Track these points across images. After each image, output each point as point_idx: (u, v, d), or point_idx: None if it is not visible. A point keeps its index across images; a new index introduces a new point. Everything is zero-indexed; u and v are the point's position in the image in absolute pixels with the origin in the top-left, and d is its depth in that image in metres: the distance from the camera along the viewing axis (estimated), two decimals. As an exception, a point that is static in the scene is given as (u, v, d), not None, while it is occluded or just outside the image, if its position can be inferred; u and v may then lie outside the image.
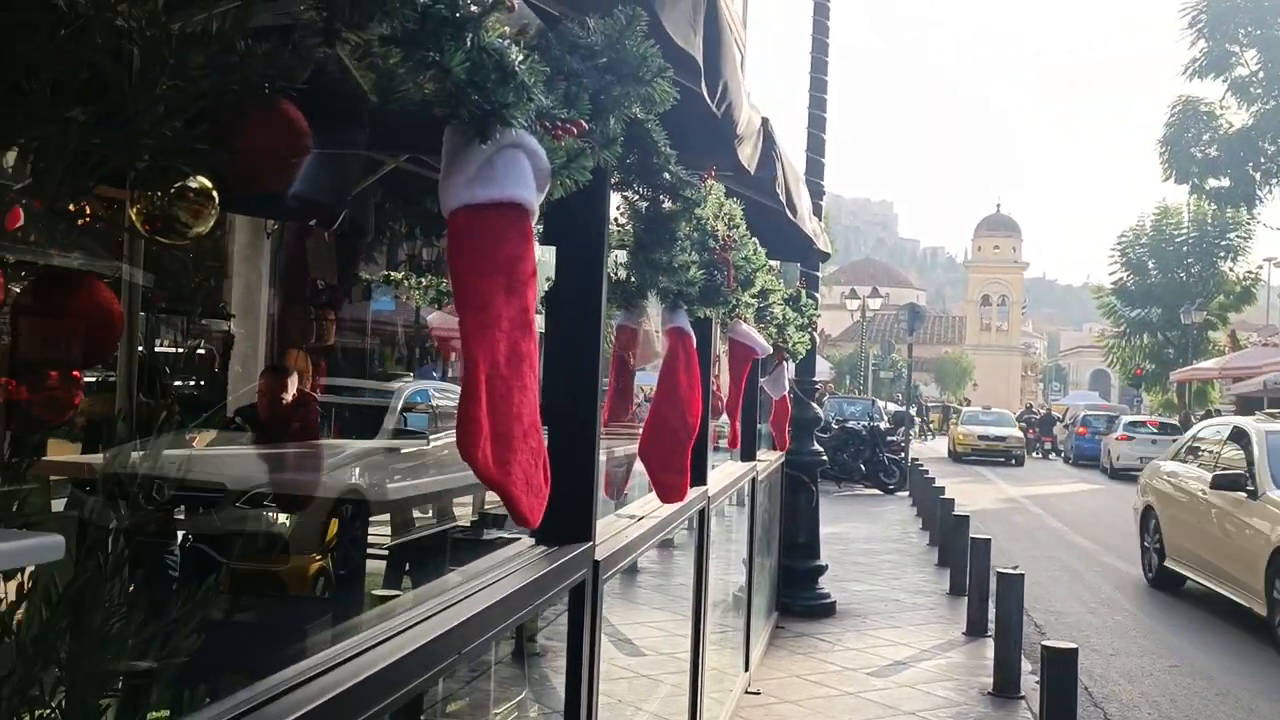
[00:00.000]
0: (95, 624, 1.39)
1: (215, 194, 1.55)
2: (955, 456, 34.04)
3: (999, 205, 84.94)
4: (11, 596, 1.43)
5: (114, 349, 1.49)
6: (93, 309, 1.30)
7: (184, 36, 1.34)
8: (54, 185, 1.22)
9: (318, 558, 5.47)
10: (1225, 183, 32.63)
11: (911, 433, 29.83)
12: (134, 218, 1.54)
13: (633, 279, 3.19)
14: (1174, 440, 28.46)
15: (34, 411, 1.41)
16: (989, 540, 8.91)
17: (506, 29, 1.58)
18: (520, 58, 1.52)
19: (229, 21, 1.36)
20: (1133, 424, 31.07)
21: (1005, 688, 6.84)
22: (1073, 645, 4.97)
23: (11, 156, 1.32)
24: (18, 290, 1.35)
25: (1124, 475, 28.91)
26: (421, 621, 1.72)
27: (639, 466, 3.57)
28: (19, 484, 1.49)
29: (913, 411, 34.28)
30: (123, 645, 1.40)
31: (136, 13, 1.30)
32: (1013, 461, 33.26)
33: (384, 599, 3.77)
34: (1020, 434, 35.31)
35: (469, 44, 1.39)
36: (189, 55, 1.34)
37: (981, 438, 33.81)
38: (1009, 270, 79.97)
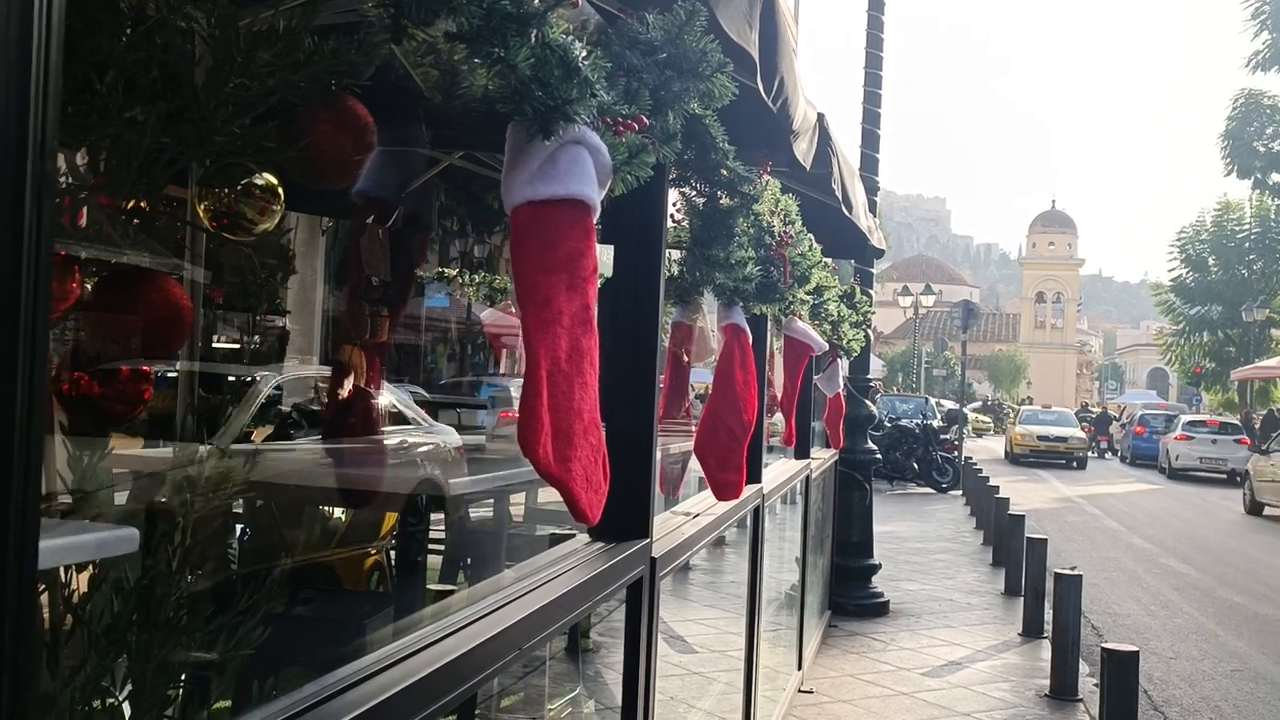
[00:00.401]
0: (164, 616, 1.40)
1: (281, 191, 1.56)
2: (1012, 458, 32.33)
3: (1054, 201, 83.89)
4: (81, 587, 1.45)
5: (183, 344, 1.51)
6: (164, 305, 1.32)
7: (251, 34, 1.35)
8: (128, 183, 1.23)
9: (373, 551, 5.51)
10: (1289, 178, 31.95)
11: (966, 430, 29.33)
12: (201, 215, 1.56)
13: (687, 275, 3.19)
14: (1235, 440, 28.03)
15: (104, 406, 1.42)
16: (1045, 540, 8.80)
17: (569, 25, 1.58)
18: (583, 53, 1.51)
19: (296, 19, 1.37)
20: (1192, 423, 30.50)
21: (1063, 690, 6.75)
22: (1133, 648, 4.88)
23: (82, 155, 1.34)
24: (90, 287, 1.37)
25: (1183, 475, 28.45)
26: (481, 618, 1.72)
27: (694, 464, 3.56)
28: (89, 478, 1.51)
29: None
30: (191, 637, 1.41)
31: (206, 12, 1.32)
32: (1074, 464, 31.44)
33: (440, 594, 3.79)
34: (1083, 435, 33.34)
35: (534, 40, 1.39)
36: (256, 53, 1.35)
37: (1041, 438, 31.79)
38: (1064, 267, 78.95)
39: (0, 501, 0.72)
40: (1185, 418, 32.12)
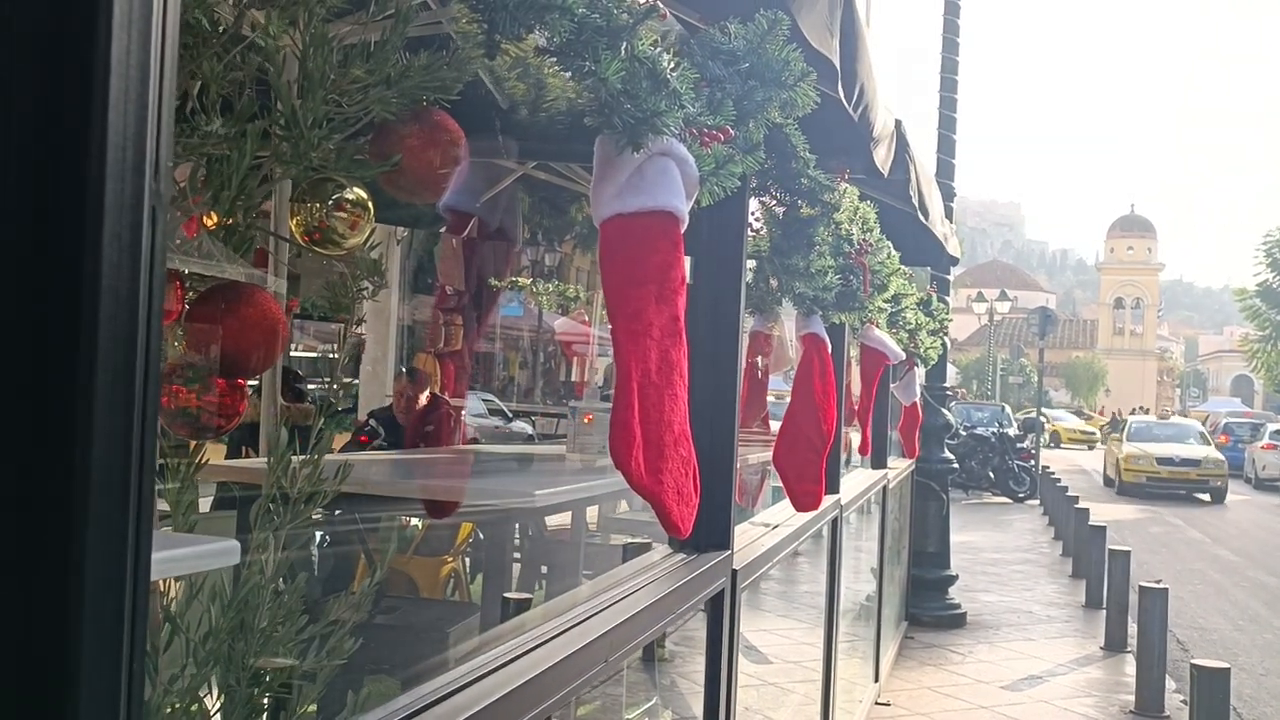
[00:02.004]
0: (260, 624, 1.42)
1: (371, 205, 1.58)
2: (1120, 487, 23.90)
3: (1133, 205, 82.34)
4: (177, 595, 1.48)
5: (278, 358, 1.53)
6: (262, 319, 1.34)
7: (344, 50, 1.37)
8: (228, 200, 1.25)
9: (448, 559, 5.56)
10: (1381, 178, 30.89)
11: (1043, 439, 28.14)
12: (293, 230, 1.58)
13: (766, 284, 3.17)
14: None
15: (202, 419, 1.45)
16: (1129, 552, 8.61)
17: (657, 37, 1.58)
18: (671, 65, 1.51)
19: (388, 33, 1.39)
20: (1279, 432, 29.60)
21: (1149, 706, 6.58)
22: (1224, 665, 4.75)
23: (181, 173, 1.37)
24: (190, 300, 1.39)
25: (1270, 486, 27.61)
26: (569, 630, 1.72)
27: (772, 474, 3.54)
28: (183, 489, 1.54)
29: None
30: (286, 646, 1.43)
31: (300, 30, 1.34)
32: (1207, 495, 23.30)
33: (519, 603, 3.80)
34: (1219, 456, 24.38)
35: (623, 52, 1.39)
36: (349, 69, 1.37)
37: (1162, 461, 23.45)
38: (1143, 272, 77.34)
39: (119, 518, 0.74)
40: (1272, 426, 31.08)
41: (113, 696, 0.74)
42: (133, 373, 0.74)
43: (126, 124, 0.72)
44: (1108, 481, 25.62)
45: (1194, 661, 4.86)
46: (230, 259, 1.44)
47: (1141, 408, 47.75)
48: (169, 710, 1.37)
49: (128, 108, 0.72)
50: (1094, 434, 45.93)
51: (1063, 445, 44.22)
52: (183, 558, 1.18)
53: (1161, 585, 6.78)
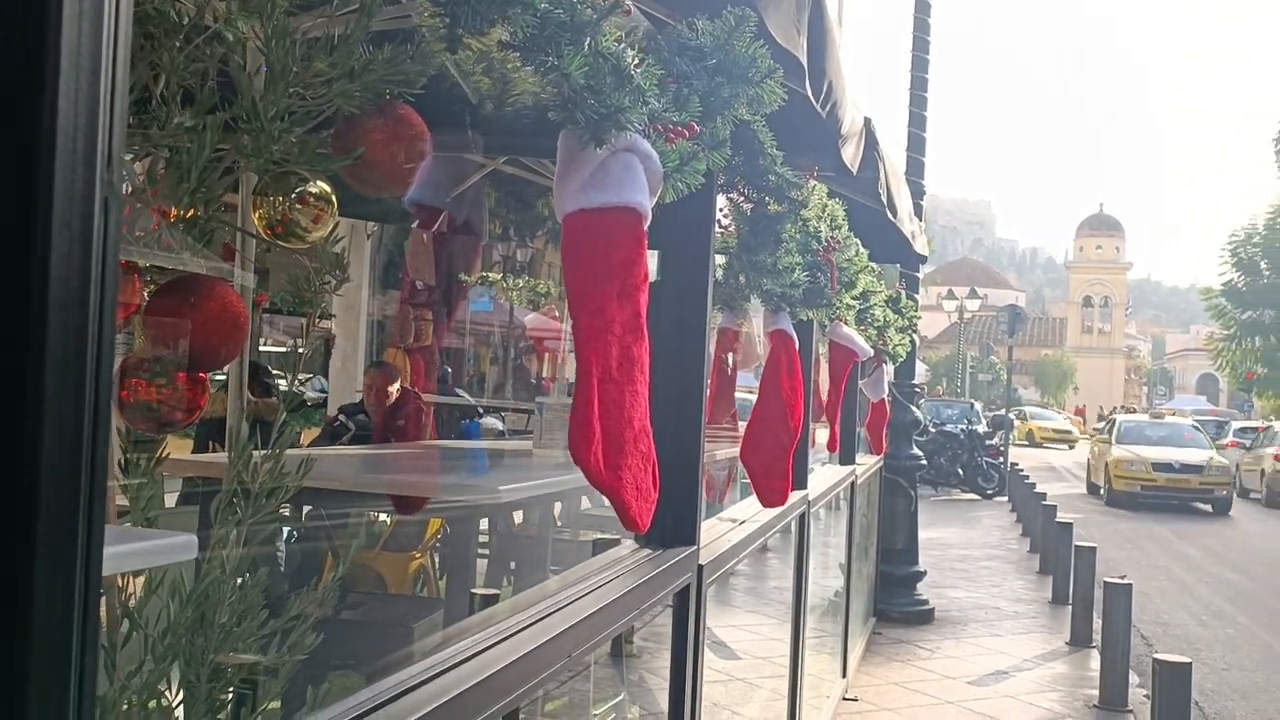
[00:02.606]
0: (220, 620, 1.42)
1: (334, 199, 1.57)
2: (1110, 496, 20.98)
3: (1101, 205, 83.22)
4: (136, 591, 1.47)
5: (240, 351, 1.53)
6: (223, 313, 1.33)
7: (307, 43, 1.36)
8: (187, 193, 1.25)
9: (417, 555, 5.55)
10: (1344, 180, 31.34)
11: (1012, 436, 28.17)
12: (256, 223, 1.57)
13: (731, 280, 3.18)
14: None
15: (163, 413, 1.44)
16: (1094, 548, 8.70)
17: (620, 32, 1.58)
18: (635, 61, 1.51)
19: (351, 26, 1.38)
20: (1243, 430, 29.96)
21: (1112, 701, 6.66)
22: (1186, 659, 4.80)
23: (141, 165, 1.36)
24: (149, 293, 1.39)
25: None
26: (531, 625, 1.72)
27: (740, 470, 3.55)
28: (143, 483, 1.53)
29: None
30: (247, 641, 1.42)
31: (262, 22, 1.33)
32: (1209, 506, 20.44)
33: (485, 598, 3.81)
34: (1224, 461, 21.46)
35: (587, 48, 1.39)
36: (312, 62, 1.36)
37: (1159, 467, 20.27)
38: (1111, 271, 78.13)
39: (68, 510, 0.73)
40: (1236, 424, 31.51)
41: (62, 691, 0.74)
42: (84, 363, 0.74)
43: (78, 114, 0.72)
44: (1092, 489, 23.09)
45: (1156, 656, 4.91)
46: (192, 251, 1.43)
47: (1124, 406, 46.40)
48: (126, 706, 1.36)
49: (79, 98, 0.72)
50: (1072, 432, 45.68)
51: (1039, 443, 44.17)
52: (137, 552, 1.18)
53: (1126, 581, 6.86)
